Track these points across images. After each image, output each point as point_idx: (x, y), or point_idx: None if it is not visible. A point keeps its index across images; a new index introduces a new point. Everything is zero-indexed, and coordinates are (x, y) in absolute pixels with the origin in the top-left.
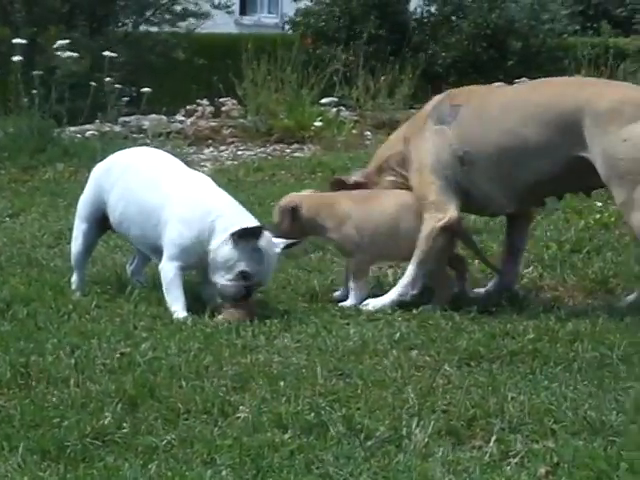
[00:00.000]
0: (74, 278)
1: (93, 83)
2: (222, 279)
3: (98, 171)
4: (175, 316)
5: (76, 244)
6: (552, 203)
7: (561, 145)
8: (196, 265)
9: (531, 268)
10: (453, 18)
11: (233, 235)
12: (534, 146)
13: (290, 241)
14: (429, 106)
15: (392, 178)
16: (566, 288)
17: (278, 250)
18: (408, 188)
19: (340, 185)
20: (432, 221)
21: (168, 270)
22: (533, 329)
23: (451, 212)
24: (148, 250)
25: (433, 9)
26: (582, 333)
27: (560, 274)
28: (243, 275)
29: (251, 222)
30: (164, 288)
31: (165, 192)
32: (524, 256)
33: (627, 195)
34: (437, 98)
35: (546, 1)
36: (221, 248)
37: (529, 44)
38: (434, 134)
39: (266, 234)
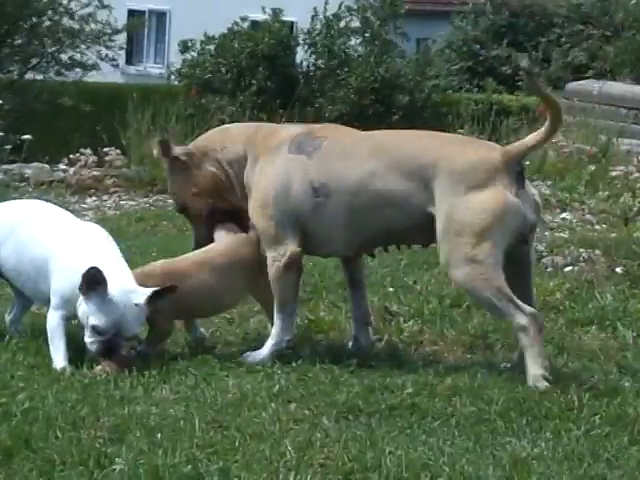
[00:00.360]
0: None
1: None
2: (85, 336)
3: None
4: (54, 365)
5: None
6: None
7: (417, 198)
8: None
9: (411, 322)
10: (339, 72)
11: (80, 286)
12: (393, 194)
13: (156, 289)
14: (285, 134)
15: (213, 170)
16: (446, 342)
17: (138, 300)
18: (224, 186)
19: (166, 151)
20: (275, 262)
21: (52, 319)
22: (412, 383)
23: (291, 247)
24: (42, 302)
25: (320, 62)
26: (460, 388)
27: (440, 329)
28: (96, 330)
29: (122, 276)
30: (48, 337)
31: (51, 244)
32: (405, 310)
33: (450, 253)
34: (295, 129)
35: (431, 57)
36: (81, 303)
37: (414, 99)
38: (288, 161)
39: (121, 284)
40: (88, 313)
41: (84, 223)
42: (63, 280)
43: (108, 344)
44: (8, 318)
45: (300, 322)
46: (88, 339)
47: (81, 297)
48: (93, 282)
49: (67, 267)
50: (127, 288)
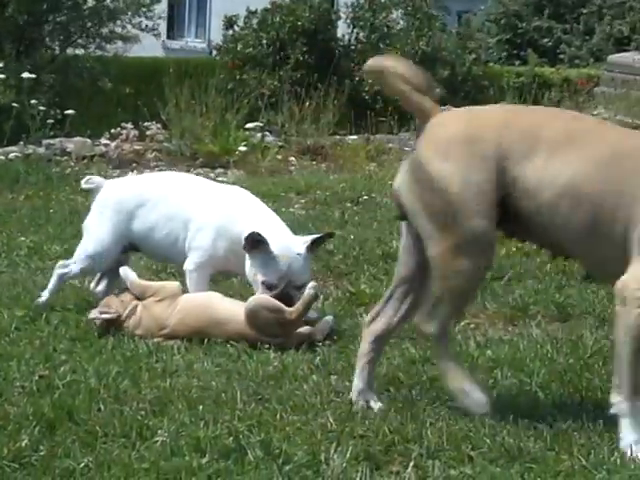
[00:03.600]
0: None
1: (15, 105)
2: (257, 294)
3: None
4: None
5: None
6: None
7: None
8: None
9: None
10: (380, 45)
11: (244, 247)
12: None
13: (315, 236)
14: None
15: None
16: (487, 315)
17: (299, 250)
18: None
19: None
20: None
21: (198, 276)
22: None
23: None
24: (177, 262)
25: (361, 36)
26: (501, 360)
27: (481, 301)
28: (267, 285)
29: (280, 230)
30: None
31: (197, 204)
32: None
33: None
34: None
35: (473, 30)
36: (247, 264)
37: (455, 72)
38: None
39: (280, 238)
40: (256, 271)
41: (228, 186)
42: (211, 237)
43: (281, 296)
44: (97, 289)
45: (341, 295)
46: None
47: (247, 257)
48: (256, 243)
49: (216, 225)
50: (287, 240)
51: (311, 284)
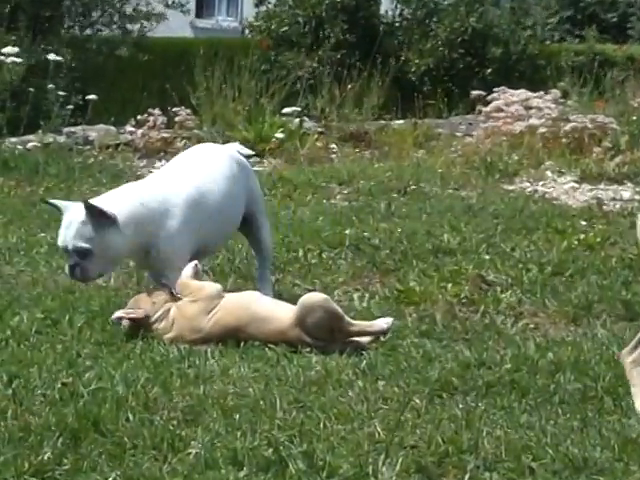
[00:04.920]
0: None
1: (31, 89)
2: None
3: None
4: None
5: None
6: None
7: None
8: None
9: (509, 292)
10: (427, 22)
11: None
12: None
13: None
14: None
15: None
16: (547, 314)
17: (77, 217)
18: None
19: None
20: None
21: None
22: (511, 358)
23: None
24: None
25: (406, 12)
26: (564, 363)
27: (540, 299)
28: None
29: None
30: None
31: None
32: (502, 279)
33: None
34: None
35: (529, 5)
36: None
37: (509, 51)
38: None
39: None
40: None
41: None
42: None
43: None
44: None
45: (388, 293)
46: None
47: None
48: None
49: None
50: (74, 204)
51: (390, 320)
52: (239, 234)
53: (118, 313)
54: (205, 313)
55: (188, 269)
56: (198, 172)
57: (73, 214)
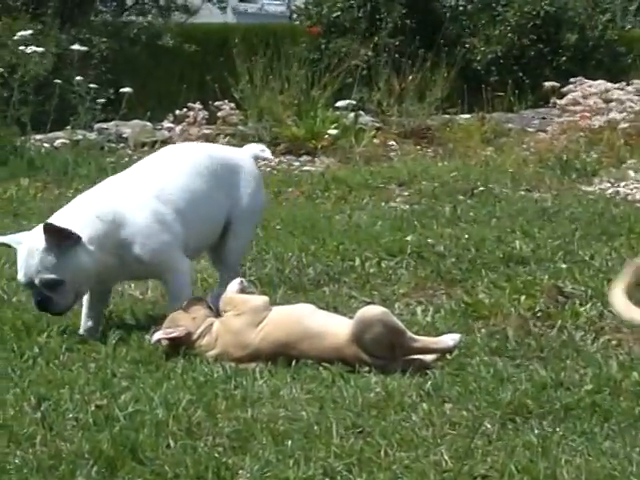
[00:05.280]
0: None
1: (58, 81)
2: None
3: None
4: None
5: None
6: None
7: None
8: None
9: (589, 305)
10: (494, 6)
11: None
12: None
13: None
14: None
15: None
16: (631, 330)
17: (36, 244)
18: None
19: None
20: None
21: None
22: (591, 379)
23: None
24: None
25: None
26: None
27: None
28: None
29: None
30: None
31: None
32: (581, 290)
33: None
34: None
35: None
36: None
37: (585, 37)
38: None
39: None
40: None
41: None
42: None
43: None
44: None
45: (455, 306)
46: None
47: None
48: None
49: None
50: (32, 231)
51: (457, 337)
52: (282, 241)
53: (157, 335)
54: (252, 326)
55: (234, 285)
56: (165, 170)
57: (31, 243)
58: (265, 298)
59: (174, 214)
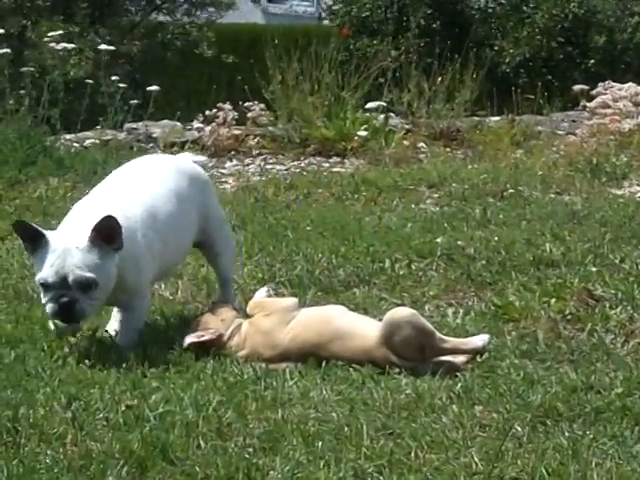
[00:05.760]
0: None
1: (90, 81)
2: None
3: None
4: None
5: None
6: None
7: None
8: None
9: (619, 308)
10: (524, 8)
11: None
12: None
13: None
14: None
15: None
16: None
17: (78, 244)
18: None
19: None
20: None
21: None
22: (622, 382)
23: None
24: None
25: None
26: None
27: None
28: (42, 285)
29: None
30: None
31: None
32: (611, 293)
33: None
34: None
35: None
36: None
37: (614, 40)
38: None
39: (60, 230)
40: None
41: None
42: None
43: (59, 298)
44: None
45: (485, 308)
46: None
47: None
48: (31, 236)
49: None
50: (66, 231)
51: (486, 337)
52: (312, 242)
53: (189, 339)
54: (282, 325)
55: (262, 292)
56: (147, 188)
57: (68, 241)
58: (294, 299)
59: (159, 238)
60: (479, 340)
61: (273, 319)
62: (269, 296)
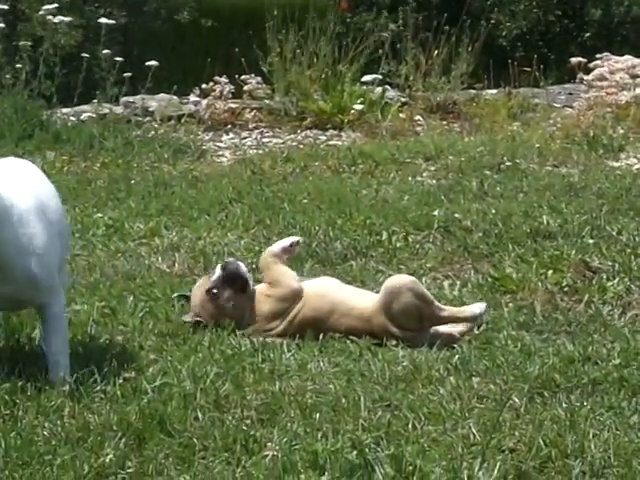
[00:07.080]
0: None
1: (85, 55)
2: None
3: None
4: None
5: None
6: None
7: None
8: None
9: (616, 280)
10: None
11: None
12: None
13: None
14: None
15: None
16: None
17: None
18: None
19: None
20: None
21: None
22: (619, 353)
23: None
24: None
25: None
26: None
27: None
28: None
29: None
30: None
31: None
32: (608, 265)
33: None
34: None
35: None
36: None
37: (610, 13)
38: None
39: None
40: None
41: None
42: None
43: None
44: None
45: (482, 280)
46: None
47: None
48: None
49: None
50: None
51: (483, 306)
52: (309, 215)
53: (187, 318)
54: (276, 315)
55: (286, 241)
56: (30, 181)
57: None
58: (295, 286)
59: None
60: (477, 308)
61: (270, 305)
62: (290, 251)
